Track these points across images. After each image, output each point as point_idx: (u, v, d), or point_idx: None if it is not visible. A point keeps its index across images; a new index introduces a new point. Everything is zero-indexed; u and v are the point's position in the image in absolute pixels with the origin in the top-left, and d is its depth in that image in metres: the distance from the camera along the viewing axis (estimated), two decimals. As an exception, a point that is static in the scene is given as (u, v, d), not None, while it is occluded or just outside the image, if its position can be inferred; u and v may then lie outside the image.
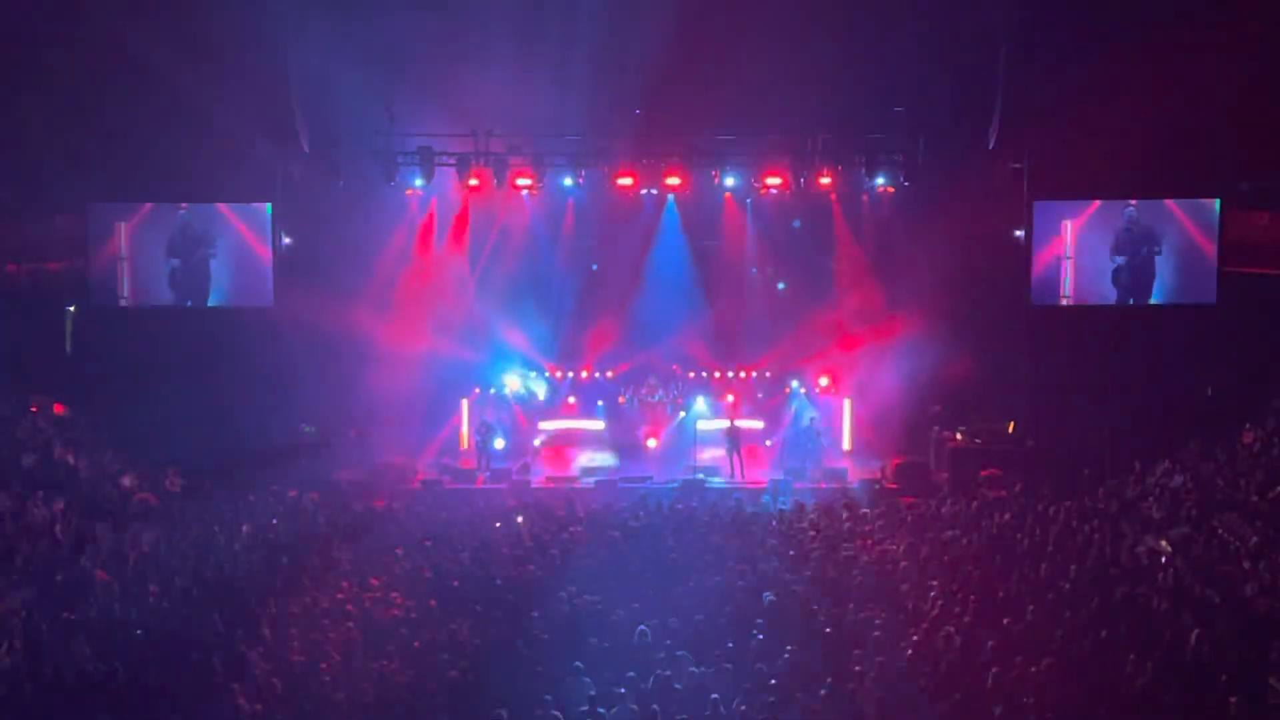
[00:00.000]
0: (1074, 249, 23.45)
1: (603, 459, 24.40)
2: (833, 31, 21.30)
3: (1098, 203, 23.44)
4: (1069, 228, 23.35)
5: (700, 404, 25.05)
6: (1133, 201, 23.21)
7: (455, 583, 15.46)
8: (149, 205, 23.40)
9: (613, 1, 22.05)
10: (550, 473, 23.78)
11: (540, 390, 25.77)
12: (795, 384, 25.33)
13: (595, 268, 25.75)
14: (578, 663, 12.50)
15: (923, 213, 23.30)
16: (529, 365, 25.73)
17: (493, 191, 23.75)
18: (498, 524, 18.95)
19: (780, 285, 25.88)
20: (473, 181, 23.38)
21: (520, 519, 19.04)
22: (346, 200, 23.73)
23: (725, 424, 24.01)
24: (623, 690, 12.01)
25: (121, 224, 23.29)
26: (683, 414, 25.08)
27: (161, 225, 23.42)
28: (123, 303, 23.49)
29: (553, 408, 25.75)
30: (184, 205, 23.39)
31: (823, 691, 11.85)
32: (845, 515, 19.00)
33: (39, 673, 12.54)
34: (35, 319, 22.90)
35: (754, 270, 25.86)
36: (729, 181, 23.88)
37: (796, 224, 25.28)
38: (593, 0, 21.97)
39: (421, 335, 24.16)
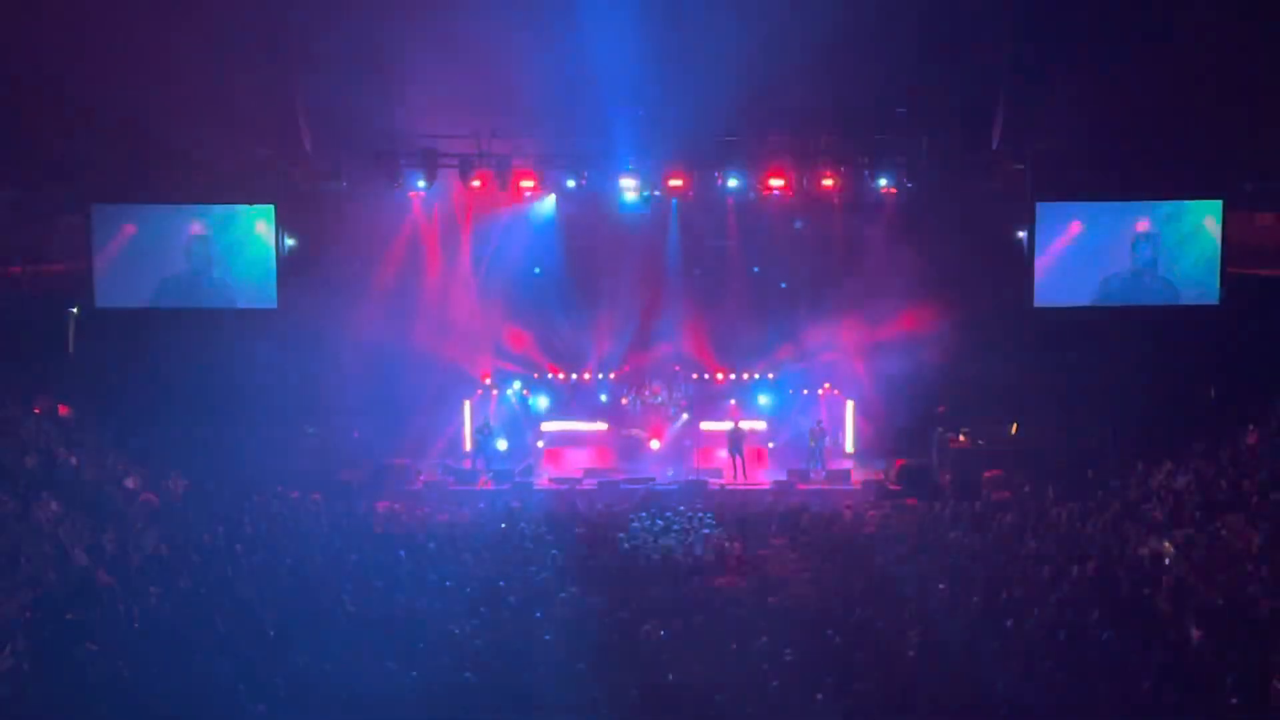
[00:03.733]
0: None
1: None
2: (835, 32, 21.26)
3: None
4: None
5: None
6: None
7: (458, 584, 15.47)
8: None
9: (615, 2, 22.07)
10: (553, 474, 23.81)
11: (542, 403, 25.73)
12: (799, 385, 25.34)
13: (598, 263, 25.71)
14: (583, 663, 12.51)
15: (925, 214, 23.28)
16: (531, 369, 25.74)
17: (496, 193, 23.75)
18: (502, 525, 18.99)
19: (782, 284, 25.85)
20: (475, 183, 23.37)
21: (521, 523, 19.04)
22: (349, 202, 23.74)
23: (729, 425, 24.03)
24: (626, 691, 12.01)
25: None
26: (685, 415, 25.10)
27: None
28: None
29: (555, 410, 25.76)
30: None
31: (819, 695, 11.86)
32: (848, 517, 19.02)
33: (43, 674, 12.57)
34: (38, 320, 22.92)
35: (755, 269, 25.88)
36: (731, 183, 23.85)
37: (798, 224, 25.26)
38: (595, 1, 22.01)
39: (424, 336, 24.17)
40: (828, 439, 24.12)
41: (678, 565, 16.40)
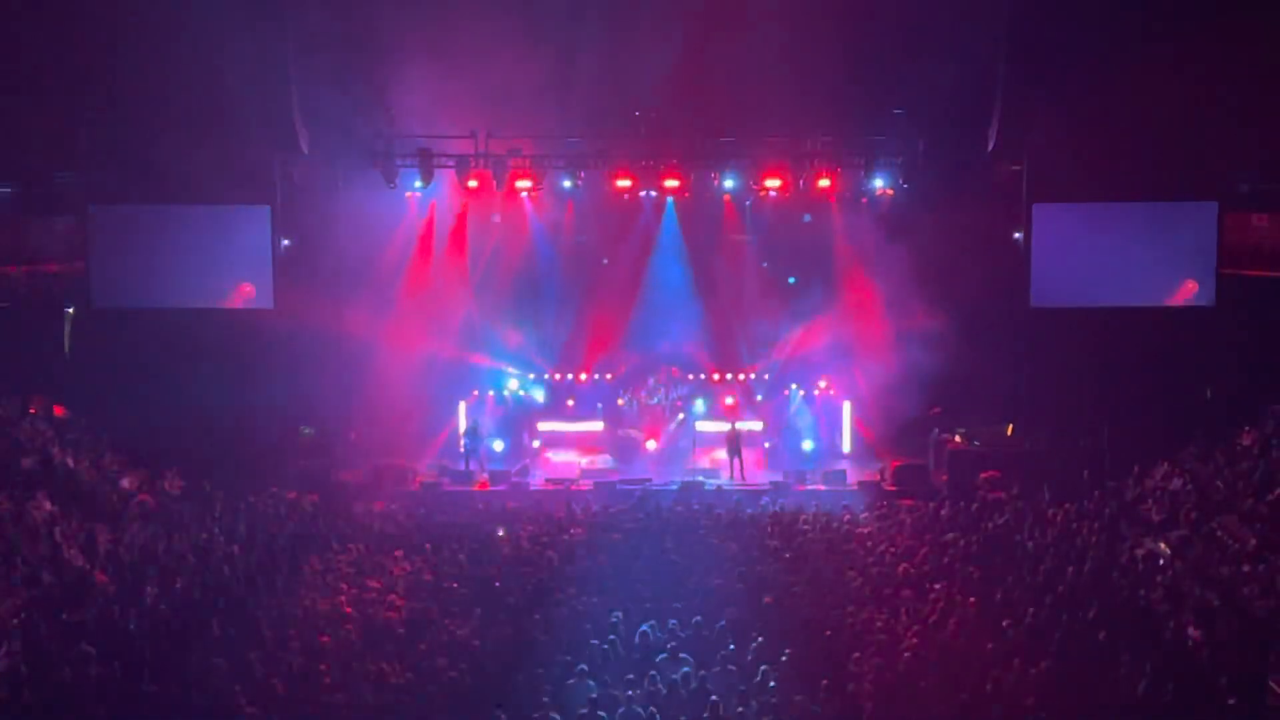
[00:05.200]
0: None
1: (602, 461, 24.46)
2: (832, 33, 21.29)
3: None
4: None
5: (698, 405, 25.11)
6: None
7: (454, 585, 15.46)
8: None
9: (613, 3, 22.07)
10: (549, 475, 23.80)
11: (538, 395, 25.77)
12: (794, 386, 25.34)
13: (605, 261, 25.72)
14: (581, 665, 12.49)
15: (922, 215, 23.29)
16: (527, 369, 25.76)
17: (492, 193, 23.76)
18: (500, 528, 18.94)
19: (791, 279, 25.83)
20: (472, 183, 23.39)
21: (501, 532, 18.89)
22: (346, 202, 23.73)
23: (726, 426, 24.01)
24: (625, 692, 12.01)
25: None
26: (681, 416, 25.10)
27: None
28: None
29: (552, 410, 25.75)
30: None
31: (822, 694, 11.86)
32: (845, 517, 19.03)
33: (39, 675, 12.55)
34: (35, 320, 22.89)
35: (765, 264, 25.85)
36: (728, 184, 23.88)
37: (807, 218, 25.22)
38: (593, 1, 22.01)
39: (421, 337, 24.17)
40: (805, 435, 24.22)
41: (676, 565, 16.37)
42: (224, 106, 21.21)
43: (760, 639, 13.20)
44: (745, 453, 23.70)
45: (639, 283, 25.25)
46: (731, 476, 23.32)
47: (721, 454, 23.85)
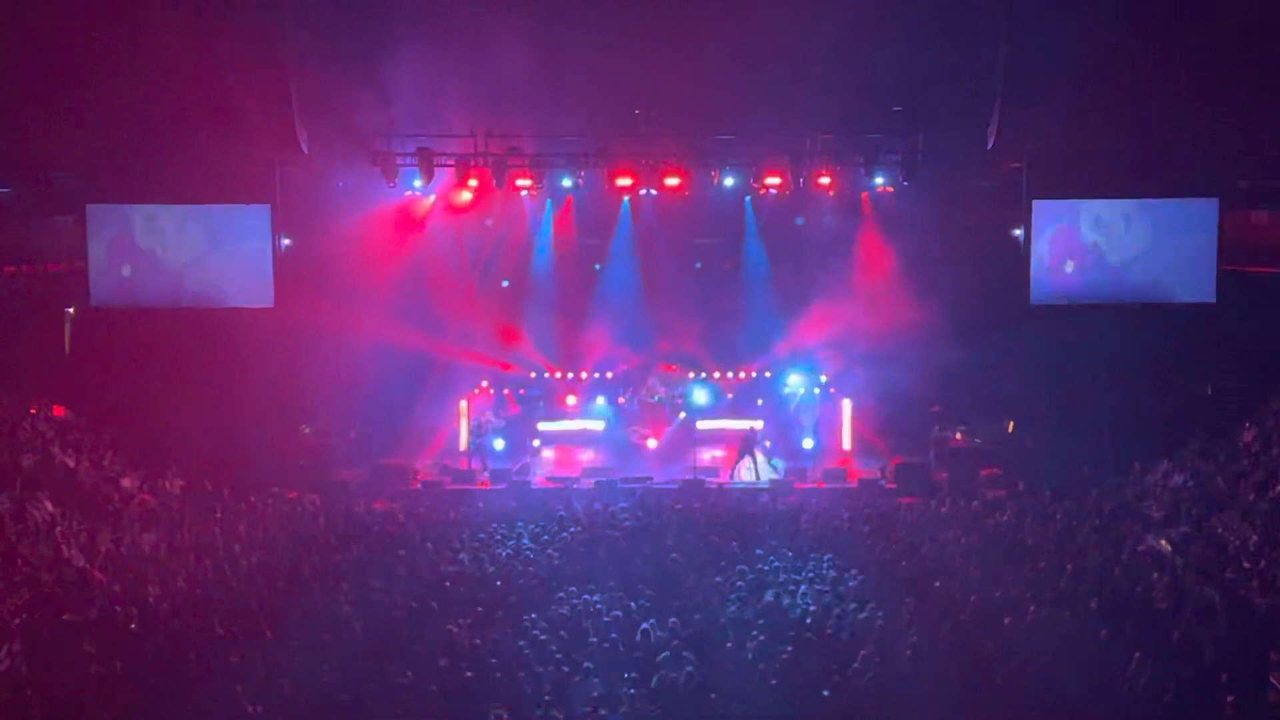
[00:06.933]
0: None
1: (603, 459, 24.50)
2: (832, 31, 21.26)
3: None
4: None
5: (701, 396, 25.08)
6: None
7: (454, 584, 15.45)
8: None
9: (612, 1, 22.06)
10: (550, 473, 23.80)
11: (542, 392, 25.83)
12: (794, 383, 25.35)
13: (599, 268, 25.79)
14: (587, 663, 12.49)
15: (922, 212, 23.29)
16: (527, 367, 25.78)
17: (492, 192, 23.76)
18: (500, 525, 18.96)
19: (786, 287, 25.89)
20: (472, 182, 23.39)
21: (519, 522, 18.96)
22: (346, 202, 23.72)
23: (743, 425, 24.00)
24: (626, 691, 12.00)
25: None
26: (682, 414, 25.10)
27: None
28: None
29: (552, 409, 25.77)
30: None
31: (826, 691, 11.85)
32: (845, 516, 19.03)
33: (39, 675, 12.55)
34: (34, 320, 22.89)
35: (759, 266, 25.82)
36: (728, 182, 23.88)
37: (800, 221, 25.29)
38: (592, 0, 22.01)
39: (421, 336, 24.18)
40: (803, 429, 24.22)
41: (676, 564, 16.37)
42: (224, 106, 21.19)
43: (761, 637, 13.19)
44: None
45: (639, 280, 25.24)
46: (732, 476, 23.29)
47: (721, 452, 23.84)
